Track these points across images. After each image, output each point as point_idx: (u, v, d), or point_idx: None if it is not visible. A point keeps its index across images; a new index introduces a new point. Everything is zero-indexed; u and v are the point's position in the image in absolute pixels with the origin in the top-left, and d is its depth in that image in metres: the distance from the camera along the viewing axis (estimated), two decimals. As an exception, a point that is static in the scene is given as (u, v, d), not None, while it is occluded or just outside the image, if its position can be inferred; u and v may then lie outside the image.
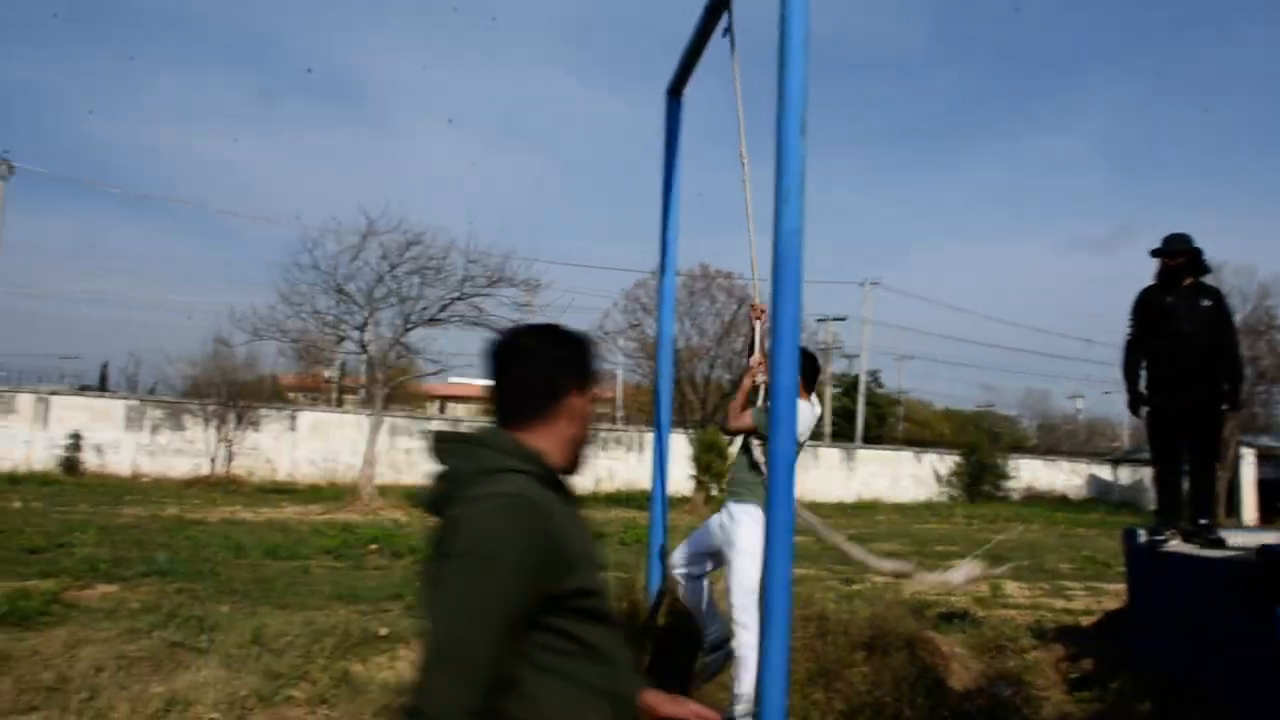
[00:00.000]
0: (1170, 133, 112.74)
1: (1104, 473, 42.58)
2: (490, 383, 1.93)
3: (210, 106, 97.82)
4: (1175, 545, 6.97)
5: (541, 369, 1.92)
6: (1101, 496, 40.58)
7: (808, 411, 5.46)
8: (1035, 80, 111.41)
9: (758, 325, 5.71)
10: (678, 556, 5.58)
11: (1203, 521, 6.92)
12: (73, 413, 26.46)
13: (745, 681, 5.07)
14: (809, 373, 5.46)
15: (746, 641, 5.04)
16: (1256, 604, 5.44)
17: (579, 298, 72.29)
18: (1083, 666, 6.85)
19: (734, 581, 5.22)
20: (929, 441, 45.33)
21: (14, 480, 22.11)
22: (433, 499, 1.83)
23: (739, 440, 5.65)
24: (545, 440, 1.91)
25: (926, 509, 31.94)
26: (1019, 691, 6.57)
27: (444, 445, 1.88)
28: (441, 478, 1.84)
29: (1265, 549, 5.66)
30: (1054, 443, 57.24)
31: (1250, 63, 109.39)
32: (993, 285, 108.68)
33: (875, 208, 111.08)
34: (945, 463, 38.35)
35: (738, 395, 5.61)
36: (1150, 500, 40.07)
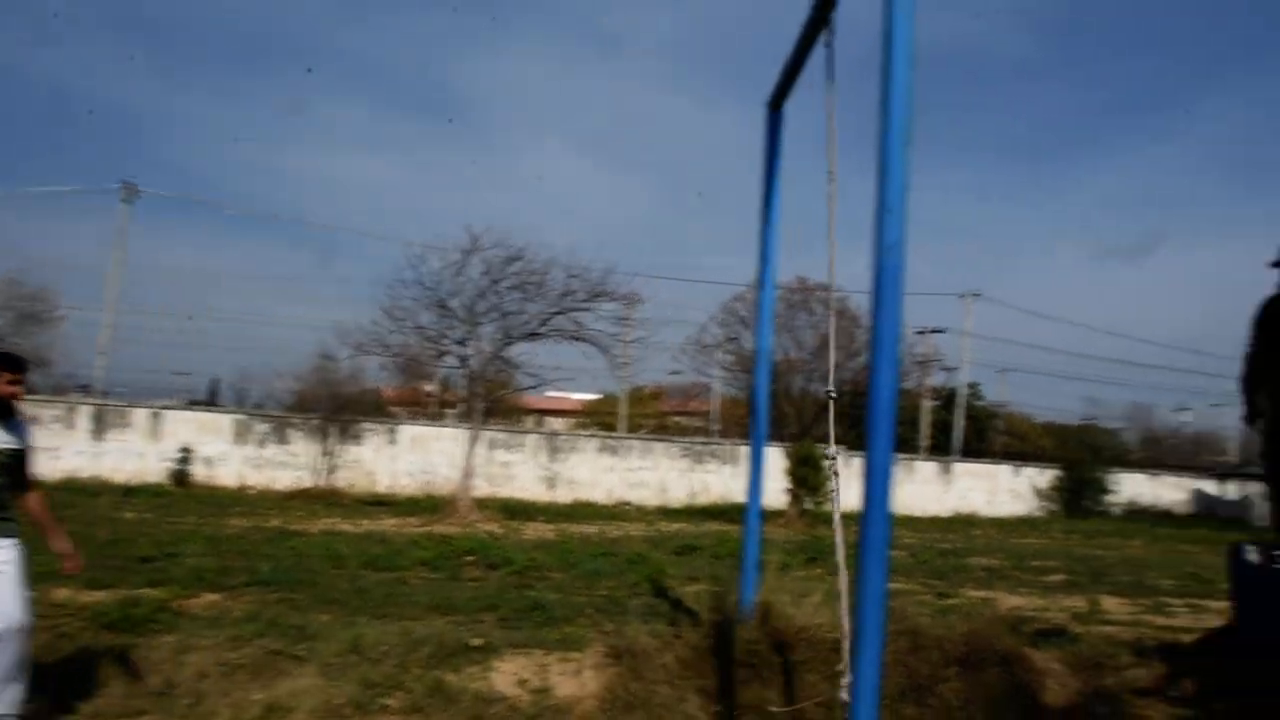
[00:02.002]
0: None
1: (1210, 488, 41.07)
2: None
3: (321, 127, 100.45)
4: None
5: None
6: (1207, 512, 39.11)
7: None
8: (1142, 90, 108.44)
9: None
10: None
11: None
12: (183, 427, 27.31)
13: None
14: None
15: None
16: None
17: (677, 311, 72.36)
18: (1184, 685, 6.59)
19: None
20: (1029, 455, 44.25)
21: (128, 491, 22.85)
22: None
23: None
24: None
25: (1025, 523, 31.17)
26: (1117, 710, 6.34)
27: None
28: None
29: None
30: (1159, 456, 55.38)
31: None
32: (1098, 296, 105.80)
33: (976, 218, 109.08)
34: (1045, 477, 37.39)
35: None
36: (1258, 516, 38.68)
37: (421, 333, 21.47)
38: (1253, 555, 6.90)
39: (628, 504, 29.63)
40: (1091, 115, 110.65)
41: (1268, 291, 7.13)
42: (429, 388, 42.86)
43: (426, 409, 43.06)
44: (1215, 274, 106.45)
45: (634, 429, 42.28)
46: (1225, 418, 61.72)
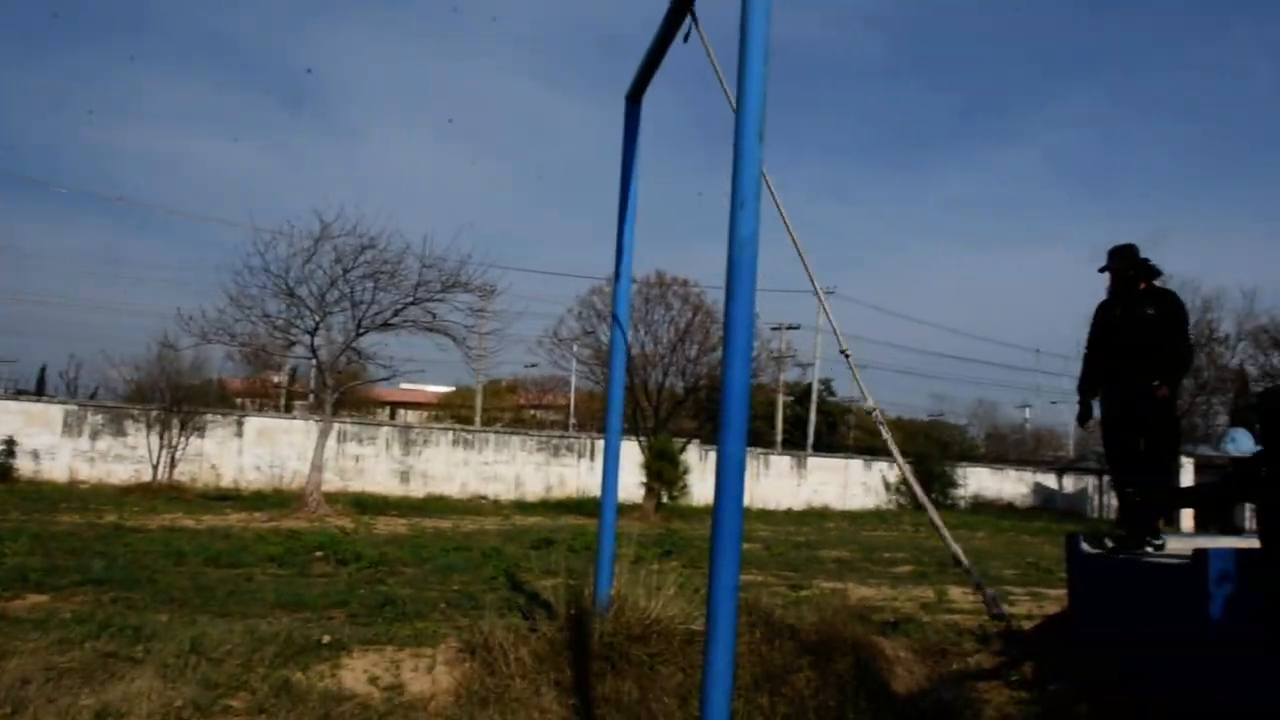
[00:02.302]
0: (1122, 147, 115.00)
1: (1049, 481, 43.18)
2: None
3: (165, 105, 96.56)
4: (1115, 550, 7.08)
5: None
6: (1047, 504, 41.14)
7: None
8: (991, 95, 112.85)
9: None
10: None
11: (1144, 528, 7.00)
12: (7, 417, 25.88)
13: None
14: None
15: None
16: (1189, 605, 5.54)
17: (534, 304, 72.11)
18: (1023, 669, 6.92)
19: None
20: (879, 450, 45.66)
21: (-55, 487, 21.53)
22: None
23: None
24: None
25: (875, 516, 32.18)
26: (961, 694, 6.61)
27: None
28: None
29: (1198, 552, 5.78)
30: (1002, 451, 57.92)
31: (1208, 79, 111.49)
32: (947, 296, 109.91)
33: (833, 217, 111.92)
34: (894, 471, 38.66)
35: None
36: (1094, 508, 40.81)
37: (269, 321, 20.89)
38: (1087, 546, 7.30)
39: (483, 498, 29.44)
40: (942, 118, 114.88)
41: (1099, 292, 7.55)
42: (277, 379, 41.74)
43: (275, 400, 41.88)
44: (1057, 276, 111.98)
45: (490, 422, 42.01)
46: (1063, 415, 64.91)
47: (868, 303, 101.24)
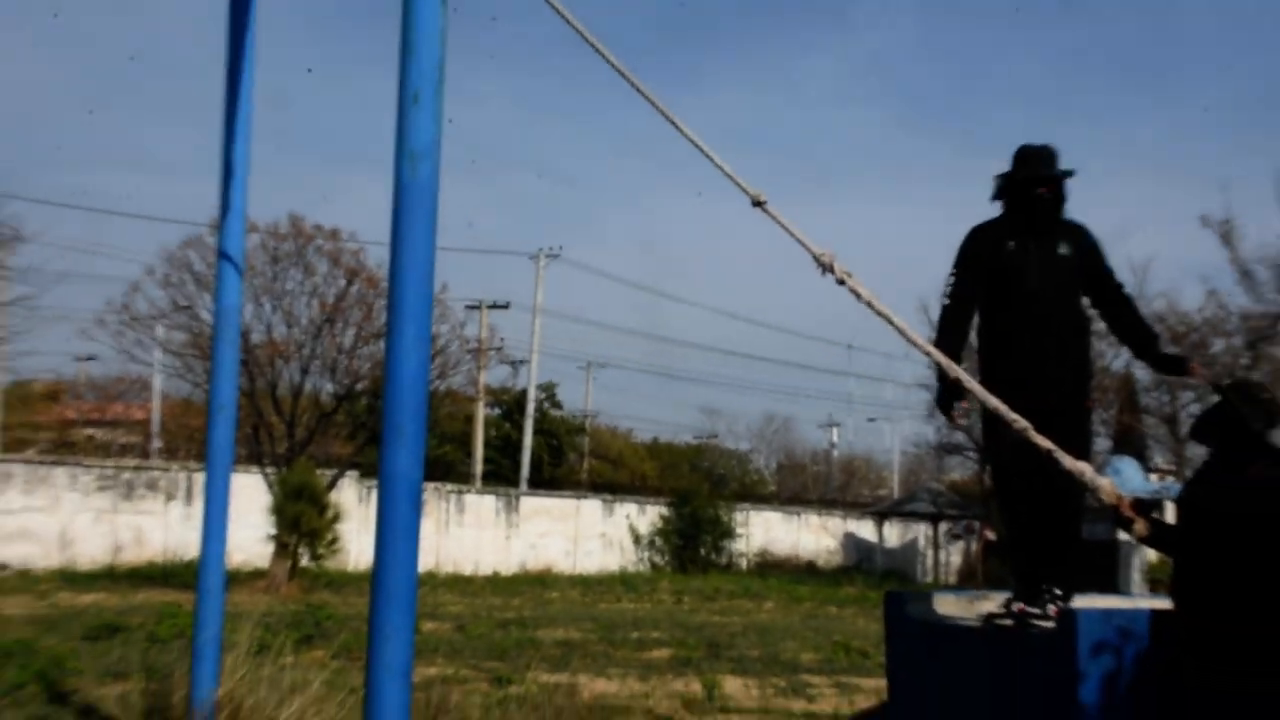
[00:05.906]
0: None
1: (865, 531, 44.79)
2: None
3: None
4: (952, 613, 7.41)
5: None
6: (862, 563, 42.66)
7: None
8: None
9: None
10: None
11: (1051, 589, 6.46)
12: None
13: None
14: None
15: None
16: (1051, 686, 5.94)
17: (93, 261, 69.28)
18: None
19: None
20: (625, 486, 46.38)
21: None
22: None
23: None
24: None
25: (620, 582, 32.73)
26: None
27: None
28: None
29: (1063, 614, 6.20)
30: (799, 488, 60.35)
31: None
32: (724, 271, 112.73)
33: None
34: (647, 516, 39.46)
35: None
36: (927, 568, 42.64)
37: None
38: (916, 607, 7.61)
39: (3, 566, 28.24)
40: None
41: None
42: None
43: None
44: (883, 240, 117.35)
45: (18, 446, 40.17)
46: (884, 436, 67.51)
47: (610, 274, 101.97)
